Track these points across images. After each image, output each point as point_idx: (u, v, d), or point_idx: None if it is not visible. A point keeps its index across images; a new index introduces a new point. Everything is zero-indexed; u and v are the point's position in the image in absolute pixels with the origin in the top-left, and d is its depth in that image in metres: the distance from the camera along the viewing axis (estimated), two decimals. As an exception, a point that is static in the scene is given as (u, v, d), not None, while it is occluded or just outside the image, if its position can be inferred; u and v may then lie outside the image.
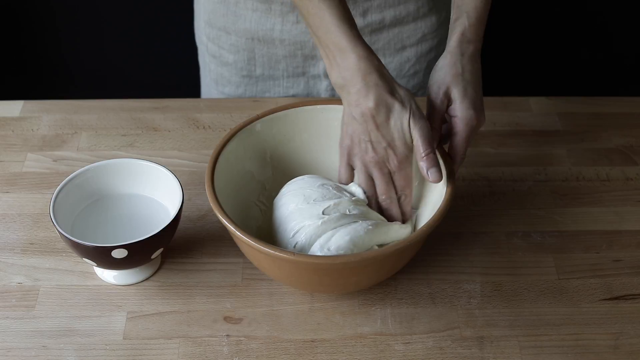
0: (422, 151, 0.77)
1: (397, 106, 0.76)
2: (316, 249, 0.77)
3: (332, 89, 1.11)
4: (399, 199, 0.82)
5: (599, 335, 0.79)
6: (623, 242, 0.89)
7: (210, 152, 0.98)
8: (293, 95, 1.13)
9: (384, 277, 0.80)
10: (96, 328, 0.79)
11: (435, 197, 0.81)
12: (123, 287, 0.84)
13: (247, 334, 0.79)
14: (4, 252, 0.87)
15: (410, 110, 0.77)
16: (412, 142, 0.78)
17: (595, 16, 1.80)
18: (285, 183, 0.85)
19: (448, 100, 0.82)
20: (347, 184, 0.83)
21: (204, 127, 1.04)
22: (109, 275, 0.84)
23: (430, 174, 0.77)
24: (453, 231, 0.89)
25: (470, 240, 0.89)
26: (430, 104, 0.82)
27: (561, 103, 1.09)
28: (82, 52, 1.88)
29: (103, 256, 0.77)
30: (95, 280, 0.84)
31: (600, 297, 0.83)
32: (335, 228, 0.78)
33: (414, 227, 0.84)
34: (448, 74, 0.82)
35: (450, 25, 0.86)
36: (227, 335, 0.79)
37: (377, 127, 0.77)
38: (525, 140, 1.03)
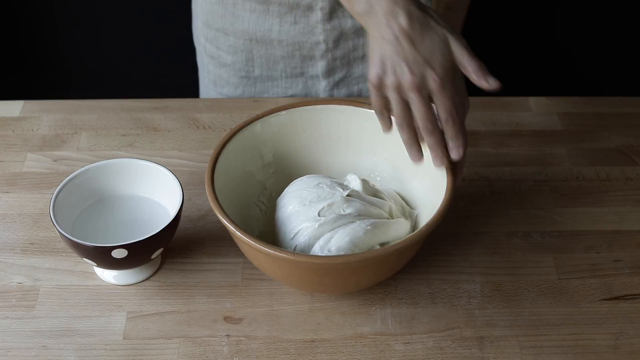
0: (472, 65, 0.72)
1: (431, 20, 0.72)
2: (317, 250, 0.77)
3: (331, 89, 1.12)
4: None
5: (599, 335, 0.79)
6: (623, 242, 0.89)
7: (210, 152, 0.98)
8: (292, 96, 1.13)
9: (384, 277, 0.80)
10: (96, 328, 0.79)
11: (435, 196, 0.80)
12: (123, 287, 0.84)
13: (247, 334, 0.79)
14: (4, 252, 0.87)
15: (445, 25, 0.72)
16: (451, 57, 0.72)
17: (595, 16, 1.80)
18: (285, 183, 0.85)
19: None
20: (384, 114, 0.78)
21: (204, 127, 1.04)
22: (109, 275, 0.84)
23: (490, 83, 0.72)
24: (453, 231, 0.89)
25: (470, 240, 0.89)
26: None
27: (561, 103, 1.09)
28: (81, 52, 1.88)
29: (103, 256, 0.77)
30: (95, 280, 0.84)
31: (600, 297, 0.83)
32: (333, 229, 0.78)
33: (414, 227, 0.84)
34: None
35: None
36: (227, 335, 0.79)
37: (413, 44, 0.71)
38: (525, 140, 1.03)
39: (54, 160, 0.99)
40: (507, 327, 0.80)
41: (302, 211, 0.79)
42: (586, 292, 0.83)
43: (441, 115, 0.73)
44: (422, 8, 0.73)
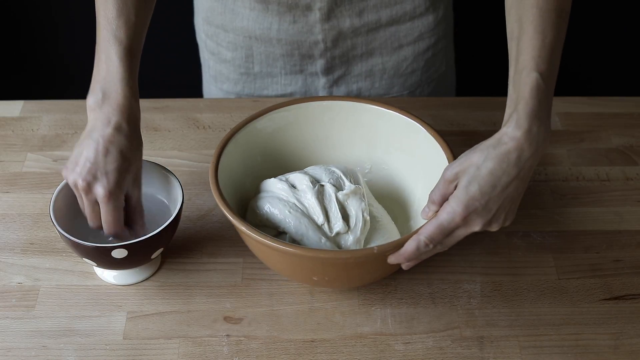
0: None
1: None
2: (254, 201, 0.82)
3: (330, 87, 1.12)
4: None
5: (599, 335, 0.79)
6: (623, 242, 0.89)
7: (210, 152, 0.98)
8: (291, 93, 1.13)
9: (388, 272, 0.80)
10: (96, 328, 0.79)
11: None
12: (123, 287, 0.84)
13: (247, 334, 0.79)
14: (4, 252, 0.87)
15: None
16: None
17: (594, 16, 1.80)
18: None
19: (456, 183, 0.73)
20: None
21: (204, 127, 1.04)
22: (109, 275, 0.84)
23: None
24: (453, 231, 0.89)
25: (470, 240, 0.89)
26: (441, 177, 0.75)
27: (561, 103, 1.09)
28: (82, 52, 1.87)
29: (103, 256, 0.77)
30: (95, 280, 0.84)
31: (600, 297, 0.83)
32: (272, 192, 0.81)
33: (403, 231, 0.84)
34: (469, 158, 0.73)
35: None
36: (227, 335, 0.79)
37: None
38: (525, 140, 1.03)
39: (54, 160, 0.99)
40: (507, 327, 0.80)
41: (289, 179, 0.82)
42: (586, 292, 0.83)
43: None
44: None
